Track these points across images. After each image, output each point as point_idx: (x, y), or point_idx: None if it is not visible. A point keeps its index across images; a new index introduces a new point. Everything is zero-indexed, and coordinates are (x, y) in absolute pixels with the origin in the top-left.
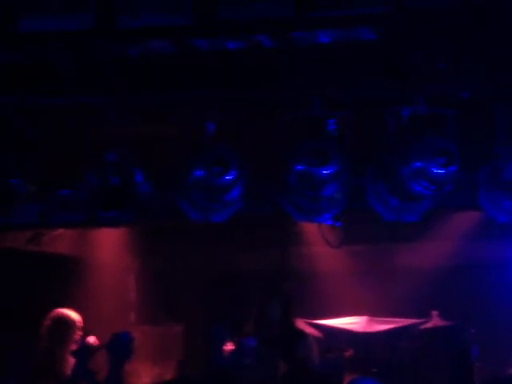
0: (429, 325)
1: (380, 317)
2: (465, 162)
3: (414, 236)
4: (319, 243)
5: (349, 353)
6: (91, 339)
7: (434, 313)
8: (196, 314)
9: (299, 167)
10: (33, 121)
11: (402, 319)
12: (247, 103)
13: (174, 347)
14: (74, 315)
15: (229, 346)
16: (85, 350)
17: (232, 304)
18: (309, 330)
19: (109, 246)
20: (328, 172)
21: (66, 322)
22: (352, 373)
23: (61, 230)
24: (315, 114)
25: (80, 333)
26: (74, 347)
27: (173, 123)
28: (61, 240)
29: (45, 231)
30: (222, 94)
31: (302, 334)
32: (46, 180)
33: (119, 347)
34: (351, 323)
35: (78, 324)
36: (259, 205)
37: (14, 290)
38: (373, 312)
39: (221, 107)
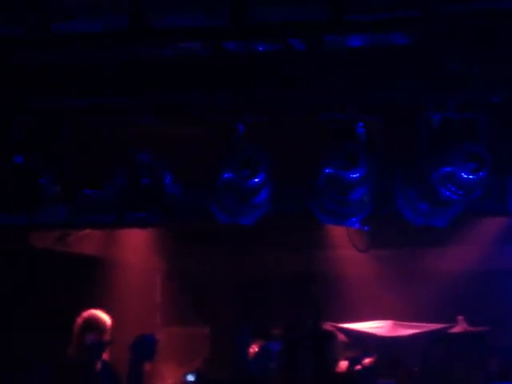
0: (454, 330)
1: (405, 321)
2: (495, 167)
3: (441, 241)
4: (346, 246)
5: (371, 359)
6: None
7: (460, 318)
8: (223, 316)
9: (328, 170)
10: (63, 121)
11: (427, 324)
12: (277, 105)
13: (200, 349)
14: (105, 317)
15: (255, 349)
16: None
17: (260, 306)
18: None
19: (136, 246)
20: (357, 176)
21: (98, 323)
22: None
23: (88, 231)
24: (345, 118)
25: (109, 335)
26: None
27: (203, 125)
28: (88, 240)
29: (72, 231)
30: (252, 95)
31: (331, 335)
32: (74, 180)
33: (142, 348)
34: (376, 327)
35: (108, 326)
36: (287, 207)
37: (41, 289)
38: (398, 316)
39: (251, 109)
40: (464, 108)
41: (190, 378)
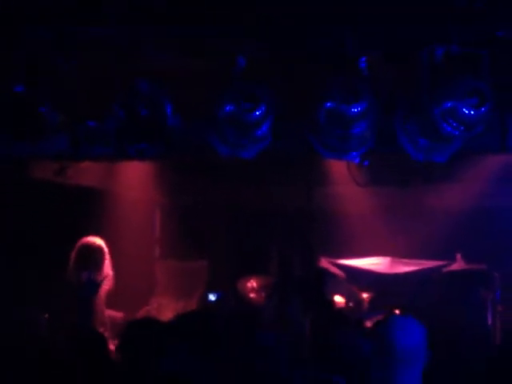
0: (452, 267)
1: (404, 258)
2: (497, 103)
3: (441, 178)
4: (345, 183)
5: (369, 295)
6: None
7: (458, 255)
8: (221, 250)
9: (329, 104)
10: (65, 51)
11: (425, 261)
12: (279, 39)
13: (199, 282)
14: (98, 241)
15: (253, 283)
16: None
17: (257, 241)
18: (332, 269)
19: (135, 180)
20: (358, 110)
21: (92, 247)
22: (374, 313)
23: (88, 163)
24: (347, 52)
25: (107, 258)
26: (101, 272)
27: (203, 57)
28: (88, 173)
29: (72, 163)
30: (254, 28)
31: (328, 274)
32: (76, 110)
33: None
34: (374, 264)
35: (103, 249)
36: (288, 142)
37: (40, 221)
38: (397, 253)
39: (252, 42)
40: (467, 42)
41: (211, 297)
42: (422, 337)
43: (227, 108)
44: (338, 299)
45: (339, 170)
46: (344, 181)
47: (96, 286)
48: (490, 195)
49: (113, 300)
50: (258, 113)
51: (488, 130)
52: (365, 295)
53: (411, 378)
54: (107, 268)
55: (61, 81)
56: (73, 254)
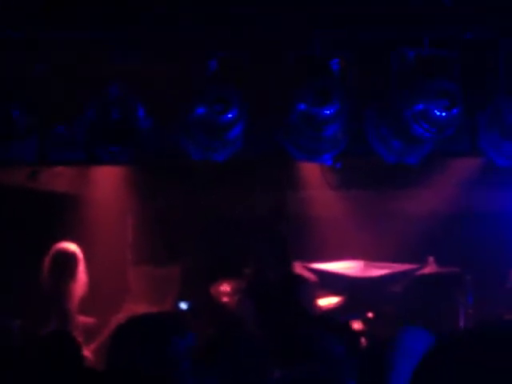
0: (425, 270)
1: (376, 262)
2: (466, 105)
3: (412, 182)
4: (318, 187)
5: (342, 299)
6: None
7: (431, 259)
8: (194, 255)
9: (301, 106)
10: (35, 54)
11: (398, 264)
12: (250, 42)
13: (172, 287)
14: (72, 247)
15: (226, 288)
16: None
17: (230, 246)
18: (305, 273)
19: (108, 184)
20: (330, 112)
21: (66, 254)
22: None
23: (60, 168)
24: (318, 54)
25: (82, 264)
26: (77, 279)
27: (174, 60)
28: (60, 178)
29: (43, 169)
30: (224, 31)
31: (301, 279)
32: (46, 114)
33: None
34: (347, 268)
35: (78, 256)
36: (260, 144)
37: (11, 227)
38: (369, 257)
39: (223, 45)
40: (437, 44)
41: (183, 305)
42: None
43: (199, 111)
44: (323, 302)
45: (312, 174)
46: (317, 185)
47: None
48: (462, 199)
49: (85, 305)
50: (229, 115)
51: (459, 132)
52: (338, 299)
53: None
54: (82, 275)
55: (31, 84)
56: (47, 261)
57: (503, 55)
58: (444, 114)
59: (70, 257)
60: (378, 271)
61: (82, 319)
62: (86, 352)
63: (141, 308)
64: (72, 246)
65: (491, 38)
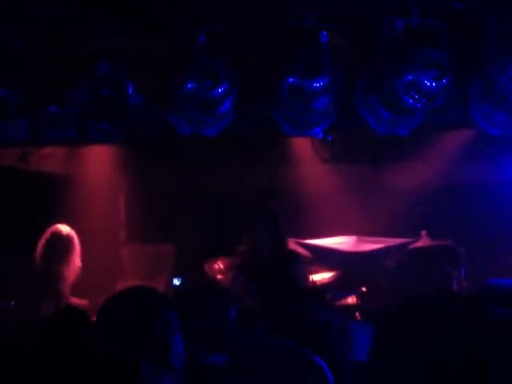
0: (418, 244)
1: (369, 236)
2: (457, 75)
3: (404, 156)
4: (310, 162)
5: (336, 274)
6: None
7: (423, 232)
8: (187, 233)
9: (291, 79)
10: (22, 32)
11: (391, 239)
12: (240, 15)
13: (166, 265)
14: (67, 230)
15: (220, 265)
16: None
17: (223, 223)
18: (298, 249)
19: (99, 164)
20: (320, 84)
21: (60, 237)
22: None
23: (51, 149)
24: (308, 26)
25: (77, 247)
26: (70, 263)
27: (164, 35)
28: (51, 158)
29: (34, 150)
30: (214, 5)
31: (295, 255)
32: (36, 94)
33: None
34: (340, 243)
35: (72, 239)
36: (250, 119)
37: (3, 208)
38: (362, 231)
39: (213, 19)
40: (427, 14)
41: (176, 281)
42: None
43: (189, 86)
44: (317, 278)
45: (303, 149)
46: (308, 160)
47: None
48: (454, 172)
49: (78, 286)
50: (219, 90)
51: (451, 103)
52: (331, 274)
53: None
54: (75, 258)
55: (18, 63)
56: (40, 243)
57: (492, 25)
58: (434, 84)
59: (64, 240)
60: (370, 246)
61: (75, 301)
62: None
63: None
64: (66, 229)
65: (480, 8)
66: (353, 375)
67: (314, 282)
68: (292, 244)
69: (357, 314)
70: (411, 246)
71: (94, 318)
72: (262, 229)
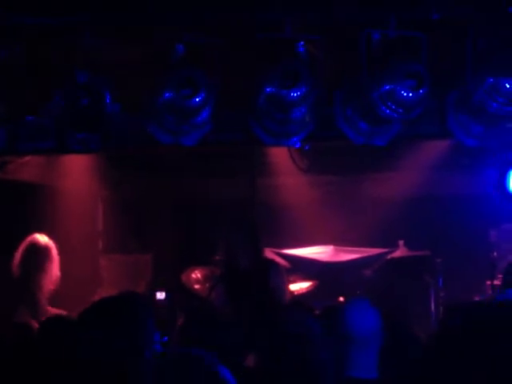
0: (395, 254)
1: (347, 246)
2: (435, 86)
3: (381, 166)
4: (288, 173)
5: (314, 284)
6: None
7: (401, 242)
8: (165, 242)
9: (269, 89)
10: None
11: (368, 249)
12: (217, 25)
13: (143, 276)
14: (45, 240)
15: (197, 275)
16: None
17: (201, 233)
18: (276, 259)
19: (77, 174)
20: (297, 94)
21: (38, 247)
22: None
23: (28, 158)
24: (286, 37)
25: (55, 257)
26: (47, 273)
27: (142, 45)
28: (28, 168)
29: (12, 159)
30: (191, 15)
31: (272, 264)
32: (14, 103)
33: None
34: (318, 253)
35: (50, 249)
36: (228, 128)
37: None
38: (340, 241)
39: (190, 29)
40: (404, 26)
41: (159, 295)
42: (378, 319)
43: (166, 95)
44: (294, 287)
45: (282, 160)
46: (287, 171)
47: None
48: (432, 183)
49: (57, 295)
50: (197, 99)
51: (428, 114)
52: (309, 284)
53: (367, 359)
54: (54, 268)
55: None
56: (18, 253)
57: (471, 36)
58: (411, 94)
59: (42, 250)
60: (348, 255)
61: (53, 311)
62: None
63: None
64: (44, 239)
65: (458, 19)
66: None
67: (291, 292)
68: (270, 254)
69: None
70: (389, 256)
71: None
72: (238, 239)
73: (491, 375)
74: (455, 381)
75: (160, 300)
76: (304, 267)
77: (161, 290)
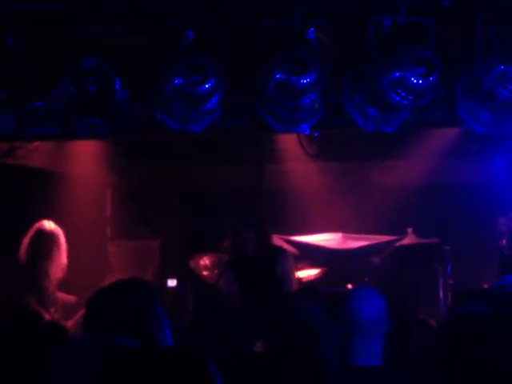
0: (404, 242)
1: (355, 233)
2: (444, 73)
3: (390, 154)
4: (296, 159)
5: (322, 271)
6: None
7: (409, 230)
8: (173, 229)
9: (278, 76)
10: (7, 28)
11: (377, 236)
12: (226, 11)
13: (151, 262)
14: (52, 227)
15: (205, 261)
16: None
17: (209, 219)
18: (285, 246)
19: (85, 159)
20: (307, 81)
21: (45, 234)
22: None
23: (37, 144)
24: (295, 23)
25: (62, 245)
26: (55, 260)
27: (151, 31)
28: (37, 153)
29: (21, 144)
30: (200, 1)
31: (280, 251)
32: (22, 89)
33: None
34: (327, 240)
35: (58, 236)
36: (237, 115)
37: None
38: (348, 228)
39: (200, 15)
40: (413, 12)
41: (170, 283)
42: (383, 306)
43: (176, 81)
44: (302, 274)
45: (290, 146)
46: (295, 157)
47: None
48: (441, 170)
49: (65, 282)
50: (206, 86)
51: (437, 101)
52: (317, 271)
53: (373, 346)
54: (62, 256)
55: (6, 59)
56: (25, 240)
57: (480, 22)
58: (421, 81)
59: (49, 237)
60: (356, 243)
61: (62, 296)
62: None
63: None
64: (51, 225)
65: (468, 5)
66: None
67: (299, 279)
68: (278, 240)
69: None
70: (397, 244)
71: (79, 312)
72: (246, 226)
73: (494, 366)
74: (462, 369)
75: (171, 287)
76: (312, 254)
77: (172, 278)
